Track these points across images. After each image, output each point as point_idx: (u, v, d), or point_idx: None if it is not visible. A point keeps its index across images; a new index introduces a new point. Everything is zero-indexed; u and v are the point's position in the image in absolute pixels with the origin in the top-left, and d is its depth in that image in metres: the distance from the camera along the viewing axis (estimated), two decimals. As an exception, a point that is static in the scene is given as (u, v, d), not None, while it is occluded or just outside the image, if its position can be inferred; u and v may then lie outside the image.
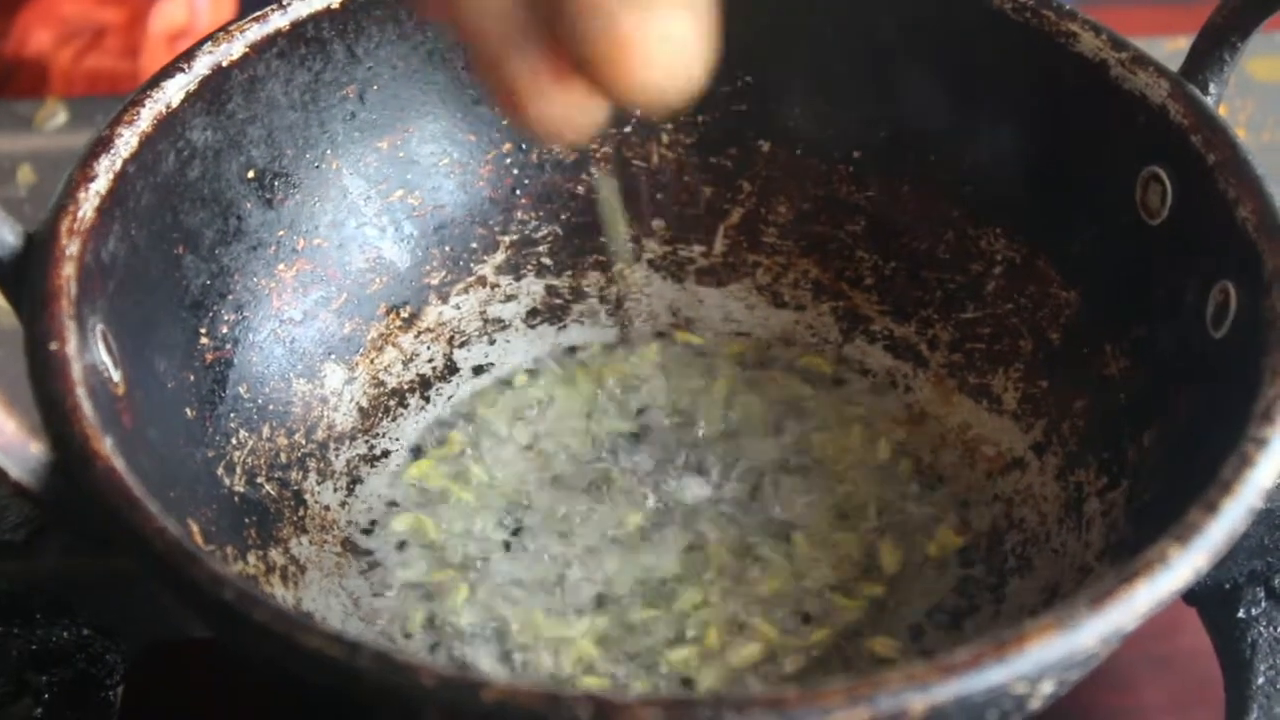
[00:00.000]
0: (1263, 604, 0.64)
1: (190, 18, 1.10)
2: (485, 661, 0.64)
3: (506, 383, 0.73)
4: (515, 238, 0.75)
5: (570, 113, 0.49)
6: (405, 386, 0.72)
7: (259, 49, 0.67)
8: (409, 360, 0.73)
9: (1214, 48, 0.64)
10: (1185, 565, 0.50)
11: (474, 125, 0.73)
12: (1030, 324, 0.70)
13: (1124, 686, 0.68)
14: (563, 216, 0.75)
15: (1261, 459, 0.52)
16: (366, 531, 0.68)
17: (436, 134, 0.73)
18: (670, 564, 0.67)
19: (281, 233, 0.69)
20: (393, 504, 0.69)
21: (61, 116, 0.91)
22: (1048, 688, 0.49)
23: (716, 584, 0.66)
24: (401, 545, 0.67)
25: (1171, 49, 0.70)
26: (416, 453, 0.71)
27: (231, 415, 0.66)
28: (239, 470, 0.65)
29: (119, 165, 0.60)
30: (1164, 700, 0.67)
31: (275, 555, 0.65)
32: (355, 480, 0.69)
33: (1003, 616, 0.65)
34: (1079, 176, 0.68)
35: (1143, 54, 0.65)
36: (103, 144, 0.61)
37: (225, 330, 0.67)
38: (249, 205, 0.68)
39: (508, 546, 0.67)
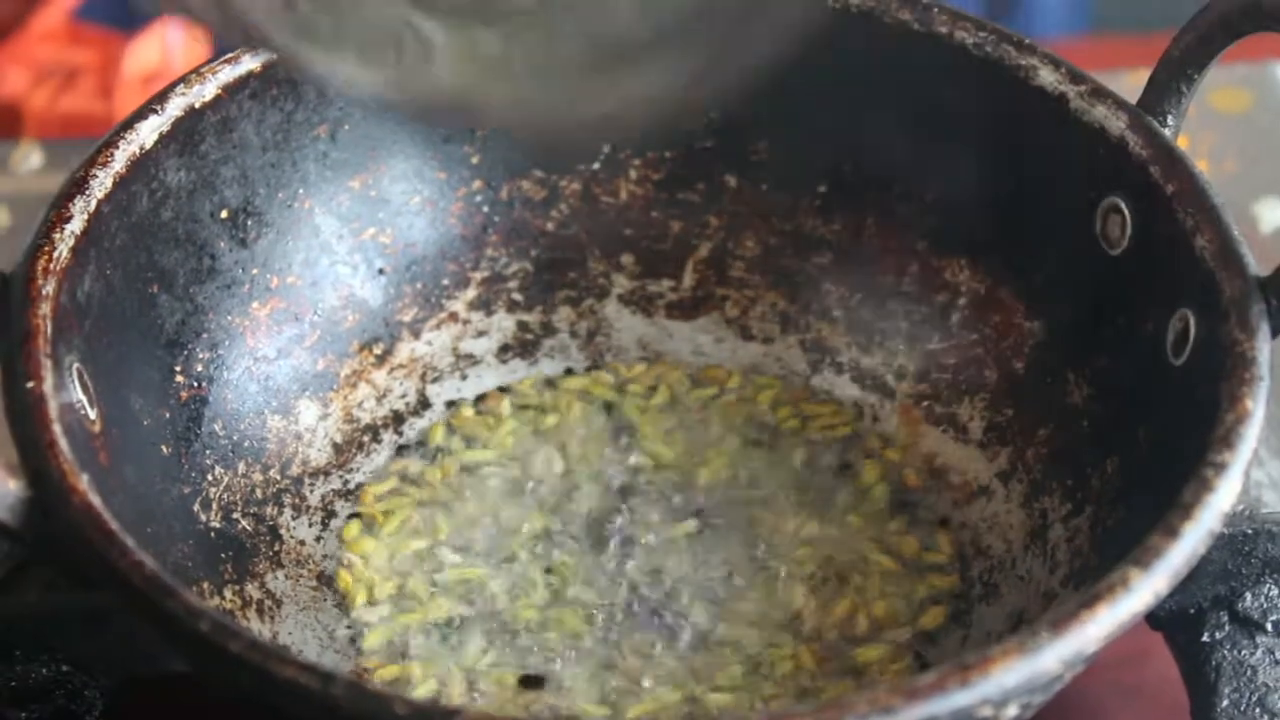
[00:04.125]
0: (1226, 628, 0.64)
1: (164, 59, 1.10)
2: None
3: (475, 417, 0.74)
4: (486, 274, 0.75)
5: None
6: (379, 422, 0.73)
7: (231, 90, 0.67)
8: (382, 396, 0.73)
9: (1171, 80, 0.65)
10: (1146, 589, 0.51)
11: (444, 163, 0.74)
12: (995, 354, 0.71)
13: (1094, 714, 0.68)
14: (533, 253, 0.76)
15: (1221, 483, 0.53)
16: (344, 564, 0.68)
17: (407, 172, 0.74)
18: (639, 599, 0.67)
19: (255, 271, 0.70)
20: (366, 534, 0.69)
21: (36, 158, 0.91)
22: (1012, 711, 0.50)
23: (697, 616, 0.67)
24: (373, 580, 0.68)
25: (1133, 82, 0.71)
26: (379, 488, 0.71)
27: (207, 452, 0.67)
28: (215, 506, 0.66)
29: (94, 206, 0.61)
30: (1133, 727, 0.68)
31: (251, 590, 0.65)
32: (330, 514, 0.70)
33: (969, 643, 0.65)
34: (1040, 208, 0.69)
35: (1101, 87, 0.66)
36: (77, 185, 0.61)
37: (200, 368, 0.67)
38: (222, 244, 0.69)
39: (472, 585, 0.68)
